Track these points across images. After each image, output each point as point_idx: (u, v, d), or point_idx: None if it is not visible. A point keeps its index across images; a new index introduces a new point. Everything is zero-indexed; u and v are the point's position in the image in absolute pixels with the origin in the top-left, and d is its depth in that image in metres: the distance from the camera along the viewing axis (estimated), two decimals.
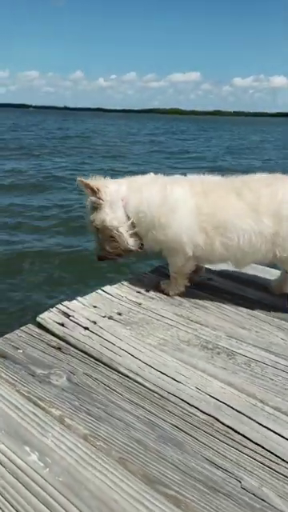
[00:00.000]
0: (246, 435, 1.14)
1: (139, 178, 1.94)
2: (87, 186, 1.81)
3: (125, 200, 1.83)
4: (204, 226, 1.75)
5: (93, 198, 1.82)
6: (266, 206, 1.68)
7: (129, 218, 1.84)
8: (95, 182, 1.84)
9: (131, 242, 1.87)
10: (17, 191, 9.20)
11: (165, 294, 1.96)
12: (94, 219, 1.85)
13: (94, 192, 1.81)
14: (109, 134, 31.54)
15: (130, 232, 1.86)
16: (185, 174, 1.97)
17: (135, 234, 1.87)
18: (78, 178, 1.82)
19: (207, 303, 1.92)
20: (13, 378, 1.32)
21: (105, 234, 1.88)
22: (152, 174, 1.96)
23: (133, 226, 1.85)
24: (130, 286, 2.05)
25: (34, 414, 1.18)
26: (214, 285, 2.13)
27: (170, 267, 1.96)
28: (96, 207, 1.84)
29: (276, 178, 1.80)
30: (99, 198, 1.81)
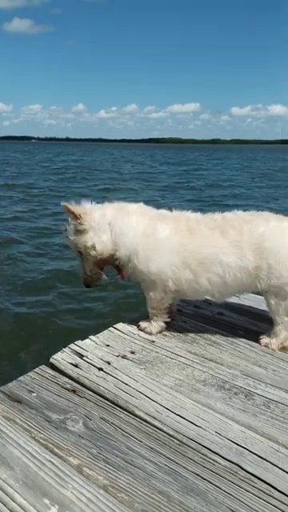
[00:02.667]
0: (271, 484, 1.10)
1: (128, 205, 1.94)
2: (69, 211, 1.81)
3: (112, 224, 1.83)
4: (189, 263, 1.79)
5: (75, 223, 1.81)
6: (248, 242, 1.76)
7: (112, 243, 1.83)
8: (78, 208, 1.83)
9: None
10: None
11: (146, 332, 1.93)
12: (76, 243, 1.84)
13: (77, 218, 1.80)
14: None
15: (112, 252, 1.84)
16: (170, 209, 1.99)
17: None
18: (62, 203, 1.82)
19: (220, 340, 1.91)
20: (28, 424, 1.30)
21: (87, 258, 1.86)
22: (142, 204, 1.98)
23: (114, 249, 1.84)
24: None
25: (52, 463, 1.15)
26: (226, 320, 2.12)
27: (147, 303, 1.94)
28: (79, 230, 1.83)
29: (254, 215, 1.88)
30: (81, 224, 1.81)
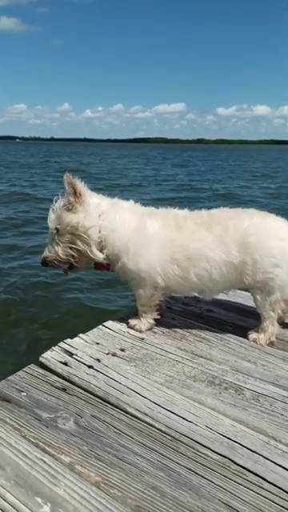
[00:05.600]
0: (262, 476, 1.11)
1: (121, 202, 1.94)
2: (73, 185, 1.75)
3: (102, 217, 1.82)
4: (177, 258, 1.80)
5: (71, 199, 1.77)
6: (233, 237, 1.78)
7: (100, 234, 1.81)
8: (82, 187, 1.80)
9: (96, 252, 1.81)
10: None
11: (136, 330, 1.92)
12: (61, 217, 1.78)
13: (76, 195, 1.77)
14: None
15: (97, 246, 1.82)
16: (157, 207, 2.01)
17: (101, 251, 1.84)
18: (67, 174, 1.75)
19: (209, 336, 1.92)
20: (18, 423, 1.28)
21: (64, 237, 1.80)
22: (132, 202, 1.98)
23: (101, 244, 1.82)
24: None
25: (43, 461, 1.14)
26: (215, 316, 2.13)
27: (137, 300, 1.94)
28: (70, 209, 1.78)
29: (239, 211, 1.91)
30: (76, 203, 1.77)
